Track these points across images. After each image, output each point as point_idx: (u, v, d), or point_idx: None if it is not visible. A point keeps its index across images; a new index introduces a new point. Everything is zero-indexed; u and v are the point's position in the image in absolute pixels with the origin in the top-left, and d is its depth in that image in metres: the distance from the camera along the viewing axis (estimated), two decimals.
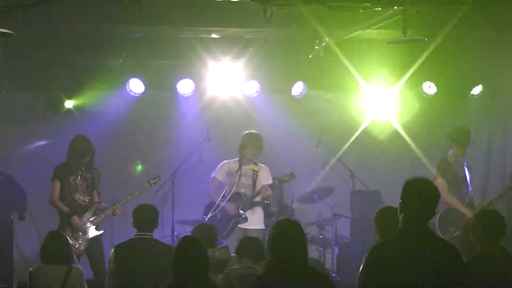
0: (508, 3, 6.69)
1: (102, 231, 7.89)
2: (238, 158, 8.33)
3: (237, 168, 8.17)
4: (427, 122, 9.93)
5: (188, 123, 9.44)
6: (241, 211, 8.11)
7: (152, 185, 8.22)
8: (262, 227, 8.28)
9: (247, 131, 8.36)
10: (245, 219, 8.12)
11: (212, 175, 8.38)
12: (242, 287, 5.25)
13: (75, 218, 7.71)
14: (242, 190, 8.19)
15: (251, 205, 8.18)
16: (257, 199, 8.20)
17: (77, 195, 7.87)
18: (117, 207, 7.86)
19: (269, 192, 8.13)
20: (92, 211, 7.88)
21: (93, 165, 8.01)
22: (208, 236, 5.88)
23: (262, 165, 8.34)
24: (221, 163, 8.39)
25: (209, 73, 8.76)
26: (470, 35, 8.07)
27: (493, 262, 4.81)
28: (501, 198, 8.20)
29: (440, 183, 8.11)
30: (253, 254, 5.52)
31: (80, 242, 7.72)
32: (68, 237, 7.38)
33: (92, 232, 7.82)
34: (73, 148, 7.91)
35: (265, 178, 8.28)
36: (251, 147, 8.22)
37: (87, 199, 7.92)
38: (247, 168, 8.25)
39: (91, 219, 7.83)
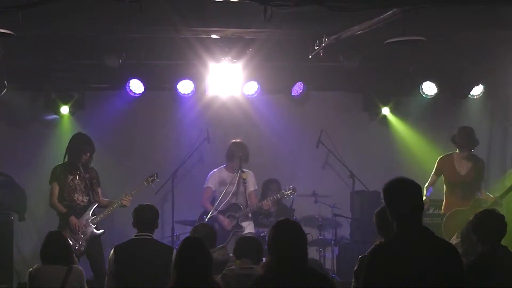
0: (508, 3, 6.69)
1: (102, 231, 7.88)
2: (225, 166, 8.58)
3: (233, 176, 8.38)
4: (427, 122, 9.93)
5: (188, 123, 9.44)
6: (241, 223, 8.43)
7: (150, 183, 8.17)
8: (254, 230, 8.60)
9: (233, 141, 8.59)
10: (243, 230, 8.38)
11: (205, 186, 8.55)
12: None
13: (73, 218, 7.69)
14: (235, 199, 8.42)
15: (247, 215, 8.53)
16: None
17: (76, 195, 7.85)
18: (125, 198, 7.84)
19: (271, 205, 8.54)
20: (91, 211, 7.88)
21: (90, 165, 7.99)
22: (207, 237, 5.87)
23: (247, 170, 8.56)
24: (211, 173, 8.60)
25: (209, 74, 8.77)
26: (470, 35, 8.07)
27: (495, 261, 4.82)
28: (507, 194, 8.07)
29: (431, 176, 8.14)
30: (251, 254, 5.51)
31: (80, 242, 7.71)
32: (68, 238, 7.41)
33: (92, 232, 7.81)
34: (71, 146, 7.89)
35: (252, 184, 8.59)
36: (239, 157, 8.43)
37: (85, 199, 7.90)
38: (237, 176, 8.46)
39: (90, 219, 7.83)
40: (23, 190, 9.01)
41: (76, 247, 7.62)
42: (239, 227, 8.39)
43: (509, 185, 8.15)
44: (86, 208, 7.85)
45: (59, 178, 7.81)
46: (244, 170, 8.47)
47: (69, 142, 7.94)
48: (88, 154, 7.86)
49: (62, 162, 7.91)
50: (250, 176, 8.54)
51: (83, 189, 7.88)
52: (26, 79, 8.84)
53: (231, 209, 8.38)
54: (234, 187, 8.40)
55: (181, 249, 4.61)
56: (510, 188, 8.07)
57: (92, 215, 7.86)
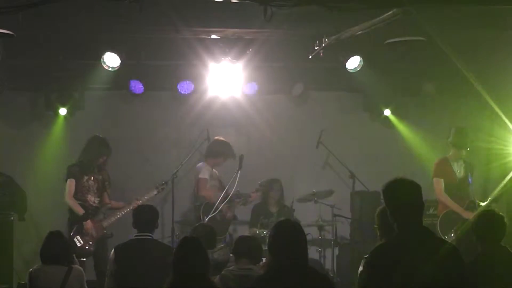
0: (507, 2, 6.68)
1: (111, 233, 7.90)
2: (206, 161, 8.70)
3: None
4: (427, 122, 9.93)
5: (188, 123, 9.44)
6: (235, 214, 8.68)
7: (160, 190, 8.27)
8: None
9: (217, 138, 8.75)
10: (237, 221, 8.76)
11: (201, 177, 8.59)
12: None
13: (89, 223, 7.75)
14: (218, 193, 8.50)
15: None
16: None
17: (89, 196, 7.90)
18: (135, 203, 7.85)
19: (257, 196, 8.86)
20: (102, 213, 7.91)
21: (105, 167, 8.03)
22: (208, 237, 5.87)
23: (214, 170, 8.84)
24: (203, 165, 8.70)
25: (209, 74, 8.77)
26: (469, 35, 8.07)
27: (495, 261, 4.82)
28: (501, 197, 8.15)
29: (436, 182, 8.12)
30: (250, 254, 5.50)
31: (90, 243, 7.74)
32: (77, 238, 7.45)
33: (102, 234, 7.86)
34: (89, 147, 7.96)
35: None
36: (224, 157, 8.65)
37: (97, 200, 7.97)
38: (215, 172, 8.71)
39: (101, 221, 7.86)
40: (23, 190, 9.00)
41: (86, 247, 7.71)
42: (235, 218, 8.72)
43: (500, 190, 8.22)
44: (98, 209, 7.90)
45: (75, 176, 7.85)
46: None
47: (87, 144, 8.00)
48: (105, 157, 7.96)
49: (77, 161, 7.96)
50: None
51: (96, 191, 7.95)
52: (26, 79, 8.84)
53: (229, 201, 8.40)
54: (217, 182, 8.66)
55: (178, 249, 4.62)
56: (503, 192, 8.14)
57: (103, 217, 7.90)
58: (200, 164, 8.72)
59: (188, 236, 5.04)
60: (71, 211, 7.83)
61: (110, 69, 8.28)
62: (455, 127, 8.36)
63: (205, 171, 8.62)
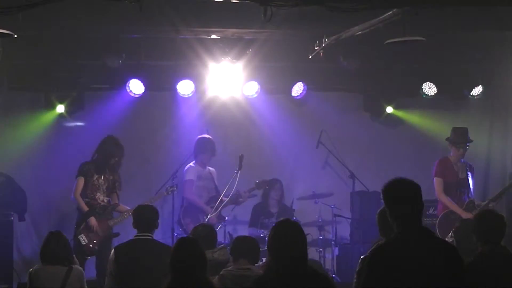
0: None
1: (118, 233, 7.92)
2: (194, 161, 8.68)
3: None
4: (427, 123, 9.93)
5: (188, 123, 9.44)
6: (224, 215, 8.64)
7: (170, 193, 8.32)
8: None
9: (201, 137, 8.73)
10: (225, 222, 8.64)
11: (187, 179, 8.60)
12: None
13: (92, 220, 7.78)
14: (205, 193, 8.62)
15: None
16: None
17: (98, 194, 7.94)
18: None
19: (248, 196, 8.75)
20: (111, 212, 7.94)
21: (118, 169, 8.07)
22: (207, 237, 5.86)
23: (211, 168, 8.83)
24: (190, 167, 8.68)
25: (209, 74, 8.78)
26: (470, 35, 8.08)
27: (495, 262, 4.81)
28: (500, 197, 8.19)
29: (436, 181, 8.14)
30: (249, 255, 5.49)
31: (95, 241, 7.77)
32: (82, 236, 7.48)
33: (109, 233, 7.90)
34: (102, 147, 8.00)
35: (216, 179, 8.80)
36: (210, 153, 8.66)
37: (106, 199, 8.01)
38: (207, 172, 8.71)
39: (109, 220, 7.88)
40: (23, 190, 9.00)
41: (91, 245, 7.75)
42: (223, 218, 8.57)
43: (502, 189, 8.25)
44: (106, 208, 7.92)
45: (86, 175, 7.90)
46: (209, 167, 8.75)
47: (100, 143, 8.04)
48: (117, 158, 7.99)
49: (90, 160, 7.98)
50: (214, 172, 8.83)
51: (105, 190, 8.00)
52: (26, 79, 8.84)
53: (213, 201, 8.43)
54: (208, 182, 8.67)
55: (175, 249, 4.61)
56: (502, 192, 8.17)
57: (112, 216, 7.95)
58: (188, 166, 8.69)
59: (185, 237, 5.04)
60: (79, 210, 7.88)
61: (110, 69, 8.29)
62: (454, 127, 8.38)
63: (190, 173, 8.63)
